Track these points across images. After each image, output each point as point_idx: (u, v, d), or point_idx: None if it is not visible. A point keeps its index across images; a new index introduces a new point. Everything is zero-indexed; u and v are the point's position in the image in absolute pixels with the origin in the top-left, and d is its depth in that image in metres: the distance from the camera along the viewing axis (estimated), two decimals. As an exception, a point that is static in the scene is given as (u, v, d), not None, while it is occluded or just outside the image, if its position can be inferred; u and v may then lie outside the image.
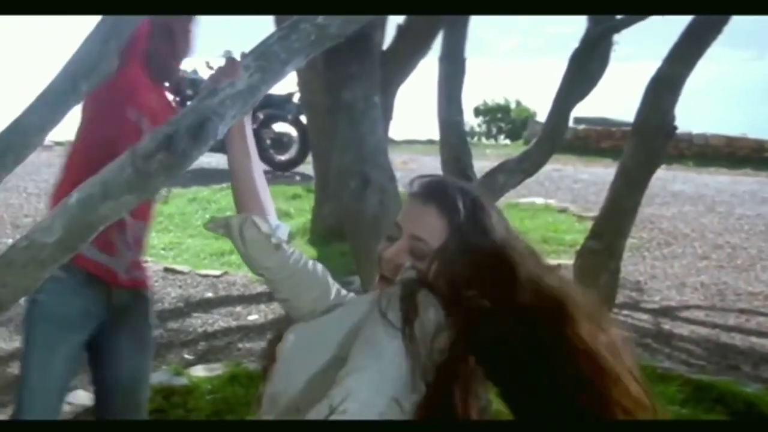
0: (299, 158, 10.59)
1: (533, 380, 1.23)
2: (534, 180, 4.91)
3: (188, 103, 2.06)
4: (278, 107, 10.34)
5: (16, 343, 4.76)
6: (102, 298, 2.60)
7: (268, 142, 10.54)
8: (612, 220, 3.57)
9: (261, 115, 10.34)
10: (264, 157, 9.95)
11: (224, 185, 8.62)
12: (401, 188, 2.37)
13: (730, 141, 13.02)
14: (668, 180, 10.10)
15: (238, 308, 5.54)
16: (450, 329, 1.27)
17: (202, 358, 4.62)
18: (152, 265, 5.75)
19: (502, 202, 3.72)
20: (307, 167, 9.44)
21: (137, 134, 2.37)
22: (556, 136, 3.73)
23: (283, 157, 10.73)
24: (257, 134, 9.94)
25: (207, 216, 7.34)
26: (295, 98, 9.89)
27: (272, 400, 1.40)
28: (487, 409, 1.36)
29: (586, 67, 3.66)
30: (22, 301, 2.10)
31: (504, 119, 16.68)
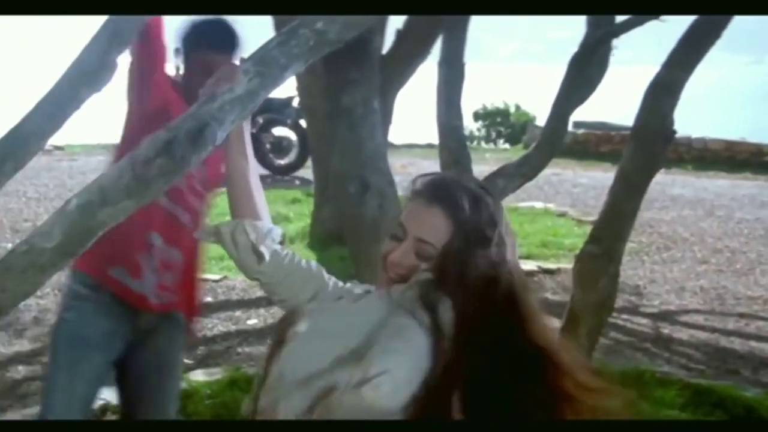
0: (299, 162, 10.58)
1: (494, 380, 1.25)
2: (533, 184, 4.92)
3: None
4: (278, 111, 10.33)
5: (15, 347, 4.76)
6: (128, 319, 2.58)
7: (268, 146, 10.54)
8: (611, 224, 3.56)
9: (260, 119, 10.35)
10: (263, 161, 9.95)
11: (222, 189, 8.59)
12: (400, 192, 2.37)
13: (729, 145, 13.03)
14: (667, 184, 10.10)
15: (238, 312, 5.54)
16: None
17: (201, 363, 4.61)
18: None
19: (501, 206, 3.71)
20: (307, 171, 9.44)
21: None
22: (555, 141, 3.73)
23: (282, 161, 10.74)
24: (257, 138, 9.97)
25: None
26: (295, 102, 9.88)
27: (281, 377, 1.37)
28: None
29: (585, 71, 3.66)
30: (23, 305, 2.10)
31: (503, 123, 16.67)
